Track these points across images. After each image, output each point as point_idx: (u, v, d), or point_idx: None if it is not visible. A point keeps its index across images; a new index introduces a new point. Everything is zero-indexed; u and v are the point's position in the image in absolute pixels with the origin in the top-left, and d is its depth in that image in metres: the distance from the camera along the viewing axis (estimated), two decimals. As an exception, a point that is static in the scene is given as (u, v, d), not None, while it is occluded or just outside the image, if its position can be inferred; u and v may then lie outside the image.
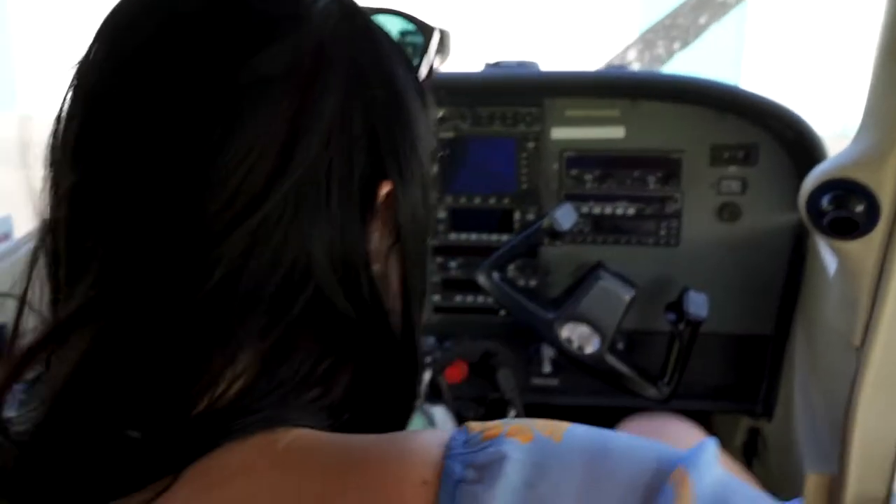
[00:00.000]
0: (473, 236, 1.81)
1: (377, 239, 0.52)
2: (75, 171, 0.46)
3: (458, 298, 1.83)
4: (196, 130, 0.43)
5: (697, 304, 1.50)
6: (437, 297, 1.83)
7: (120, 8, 0.49)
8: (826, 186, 1.05)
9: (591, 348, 1.49)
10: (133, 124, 0.44)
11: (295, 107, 0.46)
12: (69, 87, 0.49)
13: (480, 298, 1.80)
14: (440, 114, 1.69)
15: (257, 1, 0.48)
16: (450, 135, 1.72)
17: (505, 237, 1.78)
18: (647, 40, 2.51)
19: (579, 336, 1.49)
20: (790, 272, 1.71)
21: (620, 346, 1.75)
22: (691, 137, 1.69)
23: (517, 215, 1.80)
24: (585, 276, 1.55)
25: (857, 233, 1.03)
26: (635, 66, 2.61)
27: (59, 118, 0.50)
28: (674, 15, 2.58)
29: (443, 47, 1.75)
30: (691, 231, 1.74)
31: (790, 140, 1.62)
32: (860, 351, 1.10)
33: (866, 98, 1.03)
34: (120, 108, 0.45)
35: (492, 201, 1.78)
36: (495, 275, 1.60)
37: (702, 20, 2.44)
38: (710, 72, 1.70)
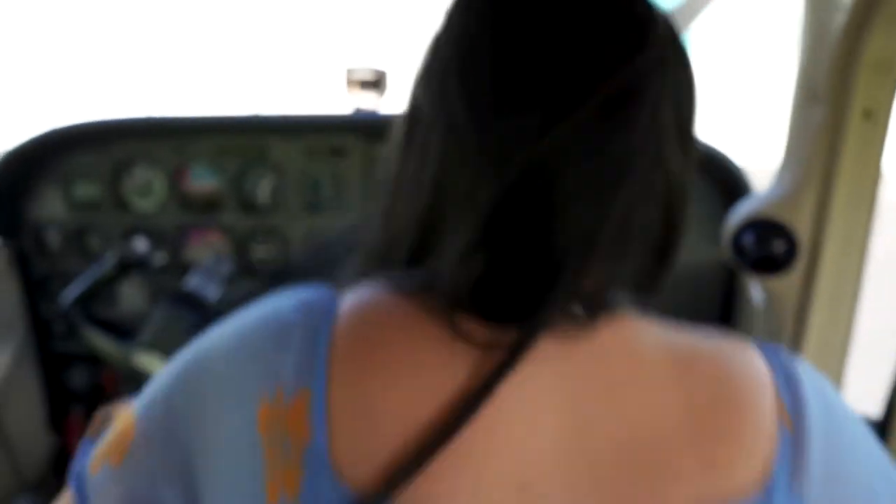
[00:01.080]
0: None
1: None
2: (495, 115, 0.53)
3: None
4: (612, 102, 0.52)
5: None
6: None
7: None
8: (748, 225, 1.08)
9: None
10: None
11: (673, 75, 0.55)
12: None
13: None
14: (375, 154, 1.71)
15: None
16: None
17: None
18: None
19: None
20: (723, 306, 1.75)
21: None
22: None
23: None
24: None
25: (778, 269, 1.07)
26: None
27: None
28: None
29: (382, 85, 1.76)
30: None
31: (716, 177, 1.67)
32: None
33: (786, 141, 1.08)
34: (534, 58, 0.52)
35: None
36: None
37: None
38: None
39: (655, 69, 0.53)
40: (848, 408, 0.58)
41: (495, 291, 0.52)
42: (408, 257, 0.58)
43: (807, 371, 0.56)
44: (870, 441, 0.57)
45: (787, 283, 1.08)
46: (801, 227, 1.04)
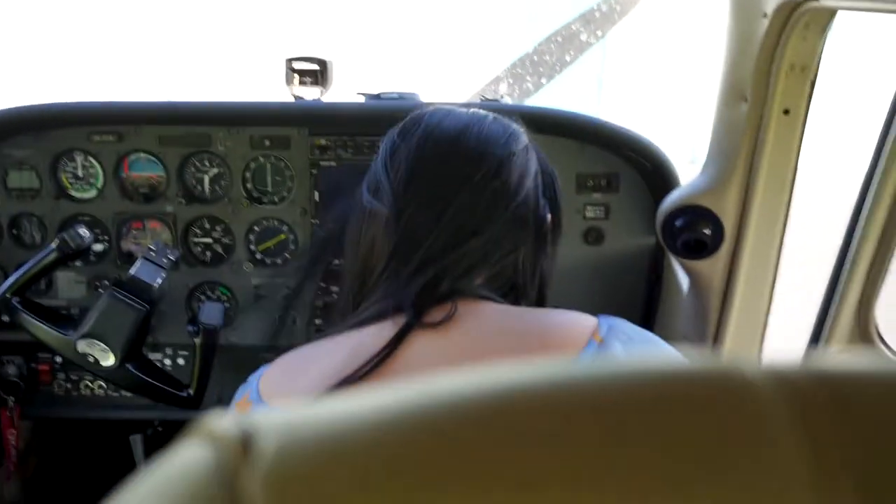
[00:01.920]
0: None
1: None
2: (398, 205, 0.91)
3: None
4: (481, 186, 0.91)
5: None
6: (319, 321, 1.86)
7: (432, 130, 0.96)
8: (678, 212, 1.18)
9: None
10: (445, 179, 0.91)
11: (521, 170, 0.95)
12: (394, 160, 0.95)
13: None
14: (322, 142, 1.74)
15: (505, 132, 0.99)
16: (332, 164, 1.74)
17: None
18: (515, 75, 2.66)
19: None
20: (649, 289, 1.86)
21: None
22: (558, 167, 1.81)
23: None
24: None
25: (706, 252, 1.17)
26: (507, 99, 2.75)
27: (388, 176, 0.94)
28: (540, 51, 2.76)
29: (324, 77, 1.79)
30: (560, 254, 1.85)
31: (647, 169, 1.77)
32: (710, 358, 1.24)
33: (710, 135, 1.17)
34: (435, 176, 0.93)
35: None
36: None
37: (567, 57, 2.64)
38: (573, 103, 1.81)
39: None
40: (647, 339, 0.89)
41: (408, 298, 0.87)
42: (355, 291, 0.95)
43: (625, 324, 0.88)
44: (656, 349, 0.89)
45: (713, 265, 1.18)
46: (727, 214, 1.14)
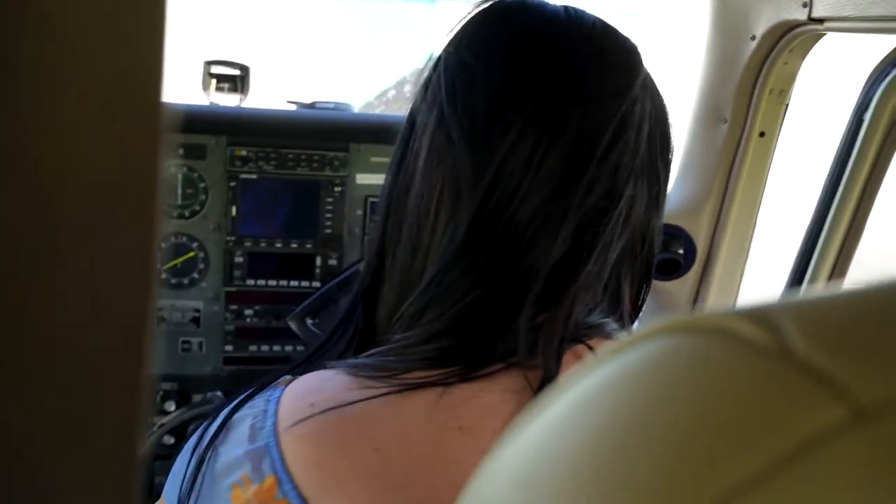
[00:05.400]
0: (272, 283, 1.76)
1: None
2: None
3: (253, 348, 1.73)
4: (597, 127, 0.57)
5: None
6: (229, 347, 1.71)
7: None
8: (651, 231, 1.17)
9: None
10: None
11: (641, 113, 0.60)
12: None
13: (277, 347, 1.69)
14: (243, 153, 1.62)
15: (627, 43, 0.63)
16: (252, 176, 1.62)
17: (305, 283, 1.69)
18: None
19: None
20: None
21: None
22: None
23: (319, 261, 1.76)
24: None
25: (678, 273, 1.17)
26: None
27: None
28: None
29: (244, 84, 1.67)
30: None
31: None
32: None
33: (682, 154, 1.19)
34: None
35: (293, 246, 1.73)
36: (309, 321, 1.53)
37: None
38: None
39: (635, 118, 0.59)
40: None
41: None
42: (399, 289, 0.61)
43: None
44: None
45: (682, 285, 1.18)
46: (700, 234, 1.15)
